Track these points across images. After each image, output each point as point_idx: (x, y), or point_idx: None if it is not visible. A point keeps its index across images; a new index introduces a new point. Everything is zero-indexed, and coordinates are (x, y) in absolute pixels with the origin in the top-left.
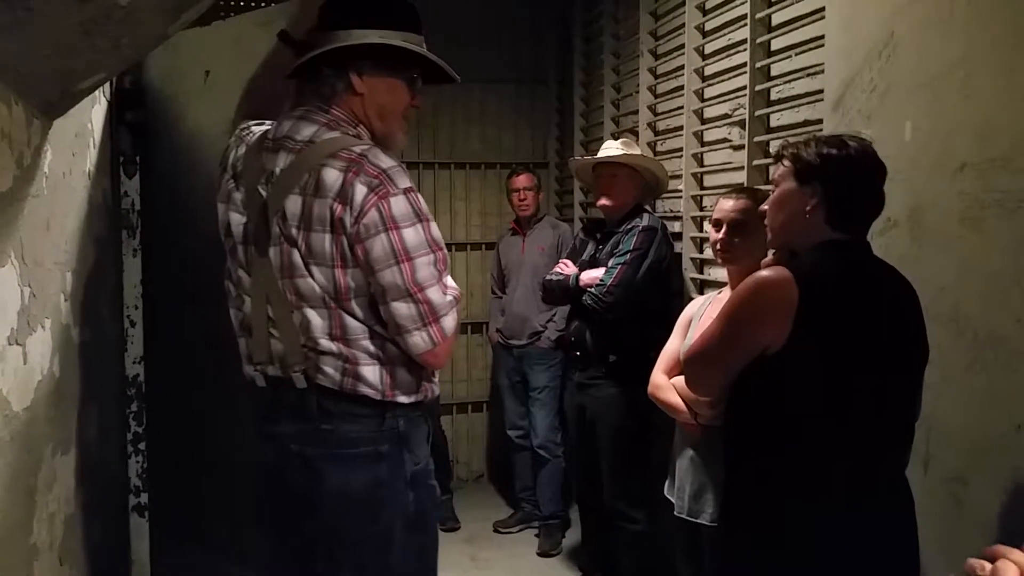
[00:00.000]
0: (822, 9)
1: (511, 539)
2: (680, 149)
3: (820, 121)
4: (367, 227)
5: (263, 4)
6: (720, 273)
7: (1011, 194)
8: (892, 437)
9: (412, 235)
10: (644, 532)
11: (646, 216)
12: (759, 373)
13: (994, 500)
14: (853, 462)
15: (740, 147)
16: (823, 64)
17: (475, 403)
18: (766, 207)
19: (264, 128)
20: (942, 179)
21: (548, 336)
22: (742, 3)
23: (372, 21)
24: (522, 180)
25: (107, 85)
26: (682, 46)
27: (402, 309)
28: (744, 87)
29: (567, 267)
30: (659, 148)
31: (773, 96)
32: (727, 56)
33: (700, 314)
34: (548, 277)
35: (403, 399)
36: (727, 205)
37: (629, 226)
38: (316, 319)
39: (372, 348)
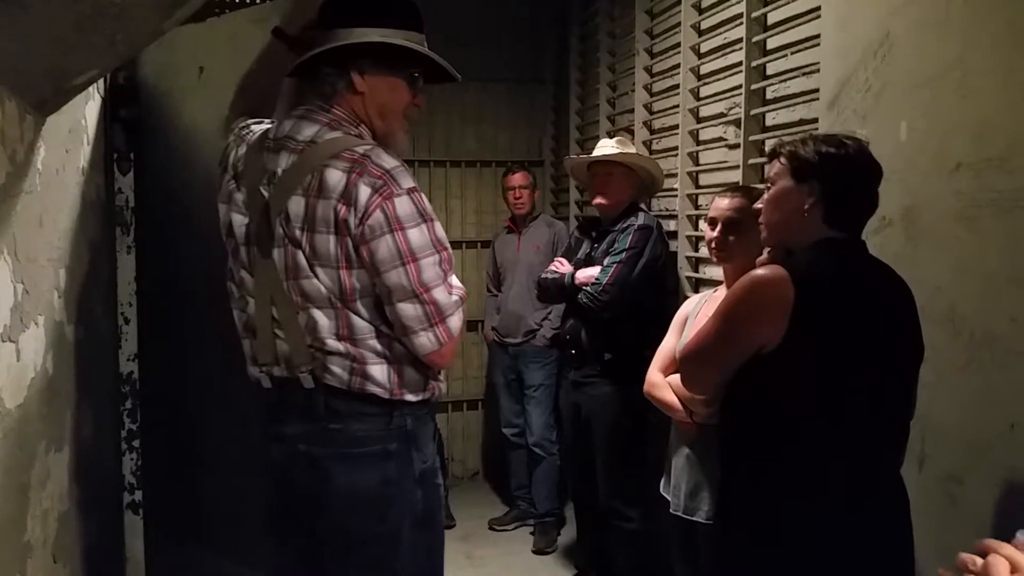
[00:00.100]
0: (818, 8)
1: (506, 537)
2: (676, 148)
3: (816, 120)
4: (372, 228)
5: (258, 1)
6: (716, 271)
7: (1007, 194)
8: (887, 436)
9: (417, 235)
10: (639, 530)
11: (641, 215)
12: (755, 371)
13: (989, 498)
14: (848, 461)
15: (736, 146)
16: (819, 63)
17: (470, 401)
18: (761, 205)
19: (264, 127)
20: (938, 179)
21: (543, 334)
22: (738, 2)
23: (373, 19)
24: (518, 178)
25: (101, 81)
26: (678, 45)
27: (408, 310)
28: (740, 86)
29: (562, 265)
30: (655, 147)
31: (769, 95)
32: (723, 55)
33: (696, 312)
34: (543, 275)
35: (411, 397)
36: (722, 204)
37: (625, 225)
38: (323, 319)
39: (379, 347)
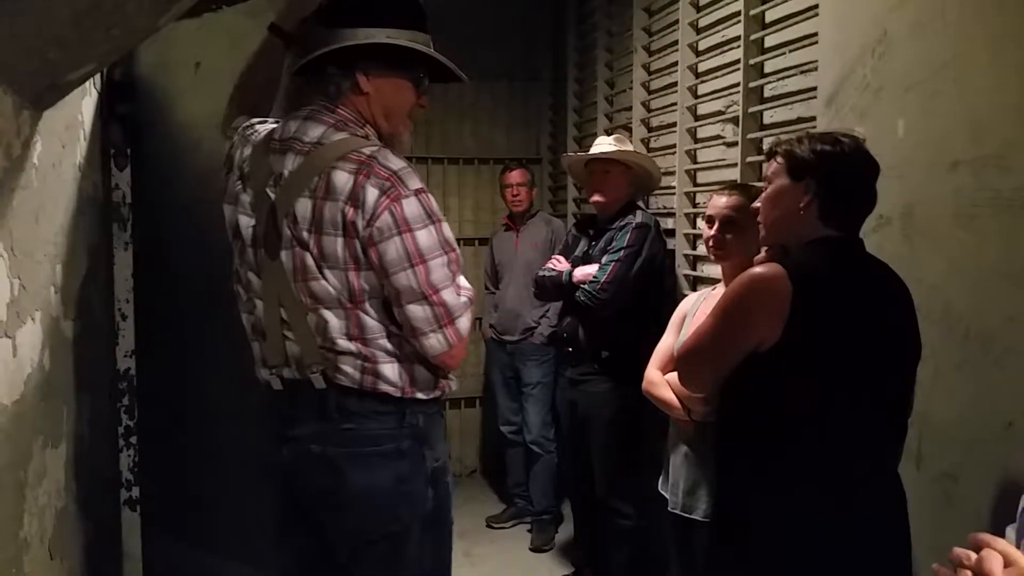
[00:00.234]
0: (816, 6)
1: (504, 534)
2: (673, 146)
3: (813, 118)
4: (380, 230)
5: None
6: (714, 269)
7: (1004, 192)
8: (884, 434)
9: (425, 237)
10: (636, 527)
11: (639, 213)
12: (752, 370)
13: (985, 496)
14: (846, 459)
15: (733, 144)
16: (816, 61)
17: (468, 399)
18: (759, 204)
19: (269, 127)
20: (935, 177)
21: (541, 332)
22: (735, 0)
23: (379, 19)
24: (515, 176)
25: (98, 77)
26: (676, 42)
27: (417, 312)
28: (738, 84)
29: (560, 263)
30: (652, 144)
31: (766, 93)
32: (721, 53)
33: (694, 310)
34: (541, 273)
35: (422, 395)
36: (720, 202)
37: (622, 223)
38: (333, 320)
39: (390, 346)
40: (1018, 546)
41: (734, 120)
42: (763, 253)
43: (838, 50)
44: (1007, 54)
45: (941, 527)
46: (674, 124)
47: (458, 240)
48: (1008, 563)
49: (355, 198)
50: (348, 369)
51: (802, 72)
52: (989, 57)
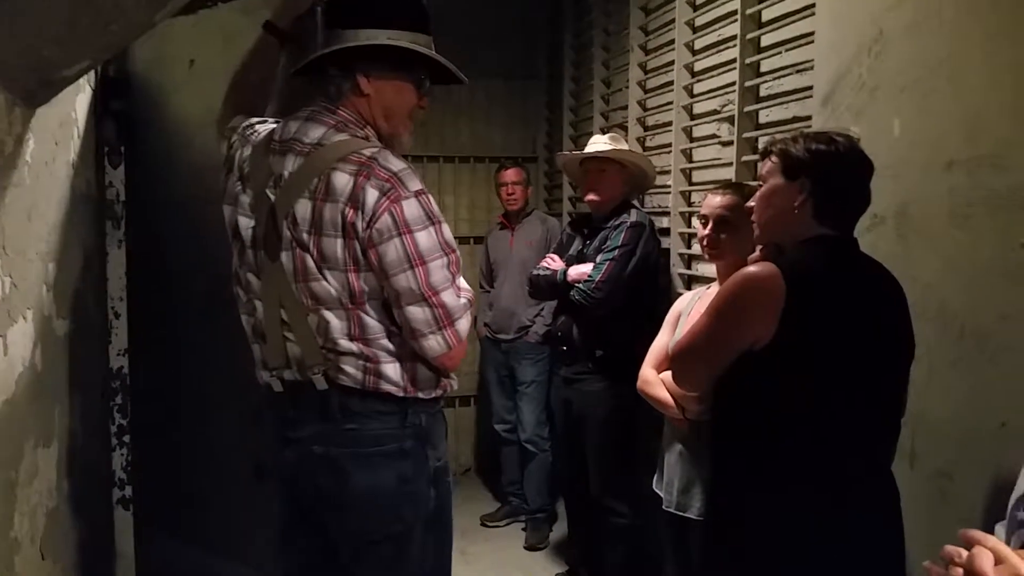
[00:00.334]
0: (812, 5)
1: (498, 533)
2: (669, 144)
3: (809, 117)
4: (380, 232)
5: None
6: (709, 268)
7: (999, 191)
8: (878, 432)
9: (425, 238)
10: (630, 526)
11: (634, 212)
12: (746, 368)
13: (979, 495)
14: (839, 457)
15: (729, 143)
16: (812, 60)
17: (463, 397)
18: (753, 203)
19: (269, 128)
20: (930, 176)
21: (536, 331)
22: None
23: (380, 20)
24: (510, 174)
25: (92, 73)
26: (672, 41)
27: (417, 313)
28: (734, 83)
29: (554, 262)
30: (648, 143)
31: (762, 92)
32: (717, 52)
33: (689, 309)
34: (535, 272)
35: (423, 395)
36: (714, 201)
37: (617, 222)
38: (335, 320)
39: (391, 346)
40: (1008, 543)
41: (730, 119)
42: (757, 252)
43: (834, 49)
44: (1002, 53)
45: (935, 525)
46: (670, 123)
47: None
48: (999, 560)
49: (355, 199)
50: (350, 369)
51: (798, 71)
52: (984, 56)
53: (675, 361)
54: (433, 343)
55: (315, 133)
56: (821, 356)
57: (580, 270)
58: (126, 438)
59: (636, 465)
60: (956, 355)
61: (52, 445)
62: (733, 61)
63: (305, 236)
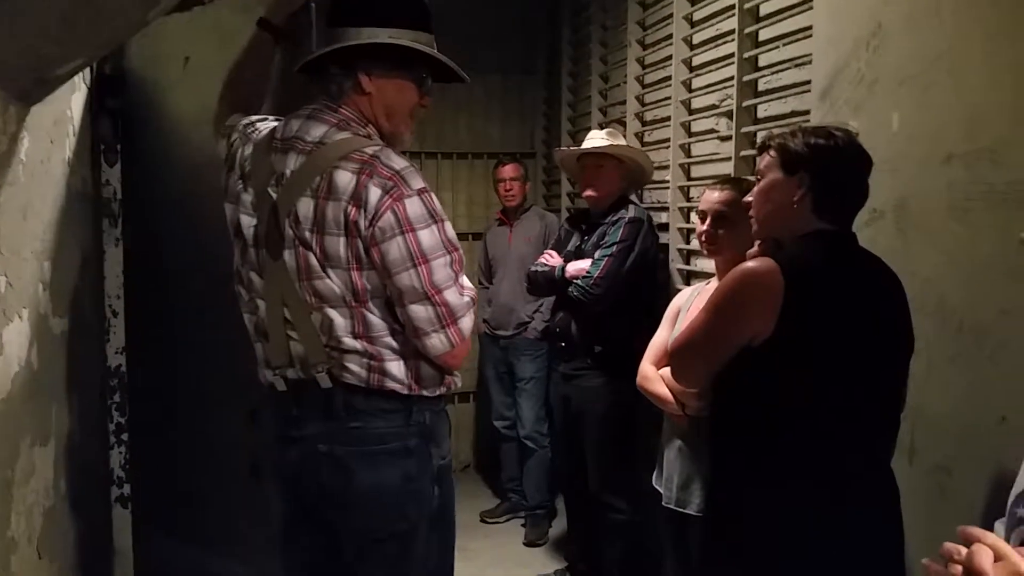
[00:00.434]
0: (810, 0)
1: (498, 529)
2: (668, 139)
3: (807, 112)
4: (383, 230)
5: None
6: (708, 264)
7: (998, 186)
8: (878, 428)
9: (428, 237)
10: (629, 522)
11: (632, 207)
12: (745, 364)
13: (978, 490)
14: (839, 453)
15: (727, 138)
16: (811, 55)
17: (462, 394)
18: (751, 198)
19: (270, 126)
20: (929, 170)
21: (535, 327)
22: None
23: (382, 19)
24: (508, 170)
25: (87, 71)
26: (670, 36)
27: (420, 312)
28: (732, 77)
29: (552, 258)
30: (647, 138)
31: (761, 87)
32: (715, 46)
33: (688, 305)
34: (533, 268)
35: (427, 392)
36: (712, 196)
37: (615, 218)
38: (338, 318)
39: (395, 344)
40: (1008, 540)
41: (728, 114)
42: (756, 247)
43: (832, 43)
44: (1001, 47)
45: (935, 520)
46: (668, 118)
47: None
48: (998, 557)
49: (358, 198)
50: (354, 367)
51: (796, 66)
52: (983, 50)
53: (673, 357)
54: (436, 341)
55: (317, 131)
56: (820, 351)
57: (578, 266)
58: (124, 436)
59: (635, 461)
60: (955, 350)
61: (49, 444)
62: (731, 56)
63: (308, 234)
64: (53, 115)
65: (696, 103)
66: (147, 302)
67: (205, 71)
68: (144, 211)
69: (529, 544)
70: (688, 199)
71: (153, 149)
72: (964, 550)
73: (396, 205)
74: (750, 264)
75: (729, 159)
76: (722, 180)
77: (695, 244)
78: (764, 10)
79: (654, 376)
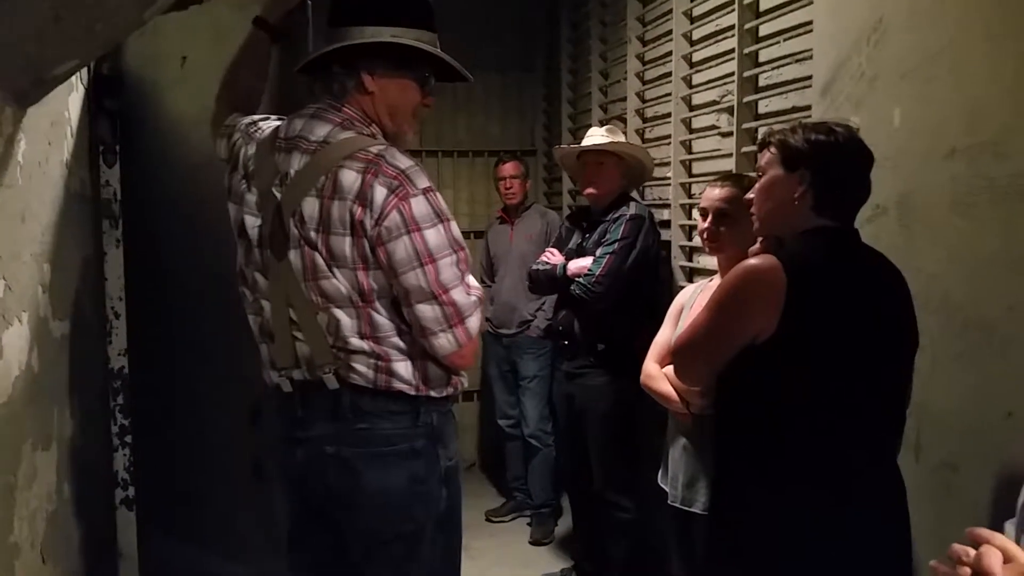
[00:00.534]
0: None
1: (503, 528)
2: (668, 136)
3: (809, 107)
4: (389, 229)
5: None
6: (710, 261)
7: (1001, 180)
8: (883, 425)
9: (434, 236)
10: (634, 520)
11: (633, 204)
12: (748, 362)
13: (985, 487)
14: (844, 450)
15: (728, 134)
16: (811, 50)
17: (465, 393)
18: (752, 195)
19: (273, 125)
20: (932, 165)
21: (537, 325)
22: None
23: (385, 18)
24: (508, 168)
25: (84, 72)
26: (670, 32)
27: (427, 311)
28: (732, 73)
29: (553, 256)
30: (647, 135)
31: (761, 82)
32: (715, 42)
33: (691, 302)
34: (534, 267)
35: (435, 393)
36: (713, 194)
37: (616, 215)
38: (345, 319)
39: (402, 344)
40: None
41: (729, 110)
42: (758, 244)
43: (833, 38)
44: (1003, 40)
45: (941, 517)
46: (669, 114)
47: None
48: (1007, 559)
49: (363, 197)
50: (361, 368)
51: (797, 61)
52: (985, 43)
53: (676, 356)
54: (443, 341)
55: (321, 131)
56: (823, 348)
57: (580, 264)
58: (128, 438)
59: (638, 459)
60: (961, 346)
61: (51, 448)
62: (731, 51)
63: (313, 234)
64: (50, 116)
65: (697, 99)
66: (147, 303)
67: (203, 70)
68: (143, 211)
69: (535, 543)
70: (689, 196)
71: (151, 150)
72: (972, 552)
73: (402, 204)
74: (752, 261)
75: (730, 155)
76: (723, 177)
77: (697, 241)
78: (764, 5)
79: (658, 374)
